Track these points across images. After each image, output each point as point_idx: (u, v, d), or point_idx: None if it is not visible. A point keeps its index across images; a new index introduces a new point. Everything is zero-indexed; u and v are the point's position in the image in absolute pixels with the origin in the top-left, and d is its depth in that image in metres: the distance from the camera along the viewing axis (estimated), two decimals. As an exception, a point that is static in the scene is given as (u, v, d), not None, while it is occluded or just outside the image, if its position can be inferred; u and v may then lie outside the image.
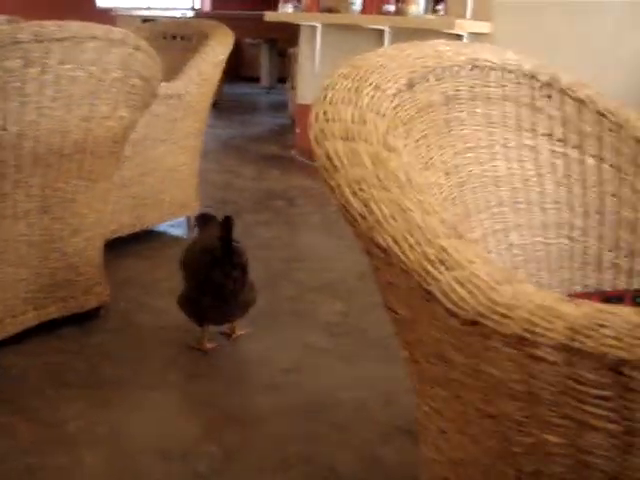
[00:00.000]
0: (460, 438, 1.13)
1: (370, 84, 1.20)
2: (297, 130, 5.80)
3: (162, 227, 3.70)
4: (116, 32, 2.27)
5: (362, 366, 2.40)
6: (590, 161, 1.58)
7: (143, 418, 2.09)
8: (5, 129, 2.11)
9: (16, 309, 2.40)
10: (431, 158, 1.34)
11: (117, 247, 3.17)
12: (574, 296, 0.94)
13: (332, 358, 2.45)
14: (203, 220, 2.65)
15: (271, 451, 1.95)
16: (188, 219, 3.72)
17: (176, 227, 3.76)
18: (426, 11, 4.77)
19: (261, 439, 2.00)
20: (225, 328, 2.53)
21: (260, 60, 9.91)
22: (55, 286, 2.48)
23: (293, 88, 6.72)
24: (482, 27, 4.52)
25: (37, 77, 2.12)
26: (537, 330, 0.84)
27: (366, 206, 0.97)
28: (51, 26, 2.10)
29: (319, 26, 5.40)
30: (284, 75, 8.35)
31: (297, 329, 2.65)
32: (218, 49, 3.55)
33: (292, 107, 6.89)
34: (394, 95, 1.23)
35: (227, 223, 2.24)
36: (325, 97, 1.15)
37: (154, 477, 1.84)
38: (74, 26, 2.16)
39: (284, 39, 8.26)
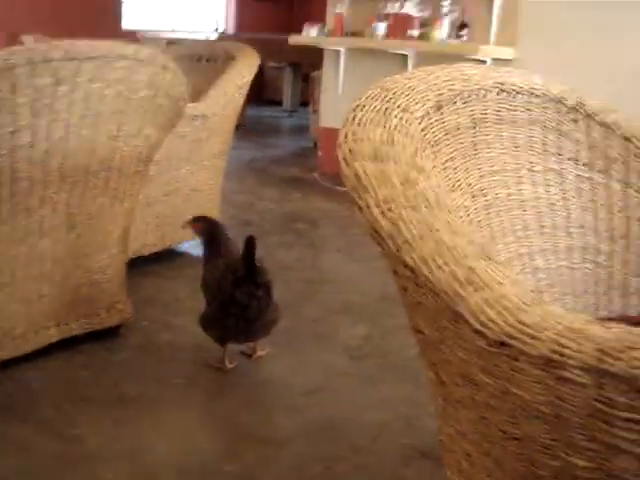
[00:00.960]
0: (485, 461, 1.12)
1: (399, 106, 1.21)
2: (320, 153, 5.82)
3: (184, 247, 3.72)
4: (145, 52, 2.30)
5: (383, 389, 2.40)
6: (616, 186, 1.57)
7: (163, 436, 2.09)
8: (33, 146, 2.13)
9: (39, 324, 2.42)
10: (458, 180, 1.34)
11: (140, 266, 3.19)
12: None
13: (353, 380, 2.44)
14: (207, 227, 2.61)
15: (291, 472, 1.94)
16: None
17: (198, 247, 3.77)
18: (450, 36, 4.79)
19: (281, 459, 2.00)
20: (246, 348, 2.54)
21: (283, 83, 9.97)
22: (78, 302, 2.50)
23: (315, 112, 6.75)
24: (506, 53, 4.53)
25: (67, 95, 2.15)
26: (565, 352, 0.84)
27: (394, 226, 0.98)
28: (82, 45, 2.13)
29: (343, 50, 5.43)
30: (306, 99, 8.39)
31: (319, 351, 2.65)
32: (244, 71, 3.58)
33: (314, 131, 6.92)
34: (422, 117, 1.24)
35: (250, 243, 2.25)
36: (354, 118, 1.16)
37: (174, 495, 1.84)
38: (104, 45, 2.19)
39: (307, 63, 8.31)
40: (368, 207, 1.01)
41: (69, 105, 2.17)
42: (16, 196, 2.18)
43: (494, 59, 4.47)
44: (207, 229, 2.59)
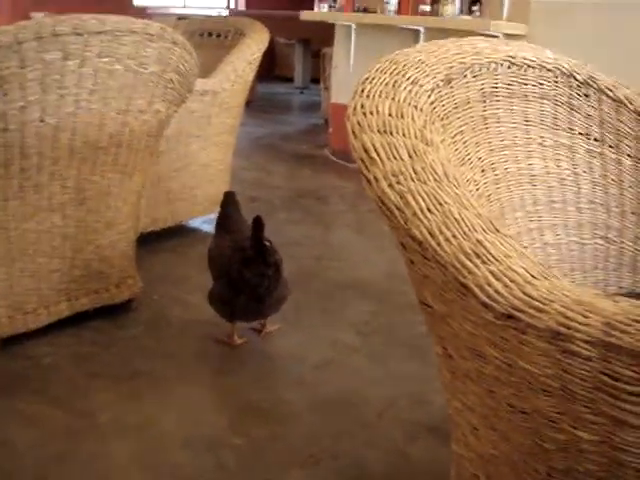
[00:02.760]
0: (491, 434, 1.12)
1: (408, 79, 1.20)
2: (330, 130, 5.80)
3: (194, 223, 3.73)
4: (154, 27, 2.29)
5: (391, 365, 2.40)
6: (627, 161, 1.56)
7: (172, 410, 2.11)
8: (43, 121, 2.13)
9: (49, 300, 2.43)
10: (467, 154, 1.33)
11: (150, 241, 3.19)
12: (610, 295, 0.93)
13: (361, 356, 2.45)
14: (226, 200, 2.69)
15: (299, 446, 1.95)
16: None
17: (208, 223, 3.78)
18: (462, 12, 4.75)
19: (289, 434, 2.01)
20: (255, 324, 2.54)
21: (294, 60, 9.93)
22: (88, 278, 2.51)
23: (326, 88, 6.72)
24: (518, 28, 4.49)
25: (76, 70, 2.15)
26: (572, 325, 0.84)
27: (402, 198, 0.97)
28: (91, 20, 2.12)
29: (354, 26, 5.40)
30: (317, 75, 8.35)
31: (327, 326, 2.65)
32: (253, 46, 3.56)
33: (325, 107, 6.90)
34: (432, 90, 1.23)
35: (258, 223, 2.25)
36: (363, 91, 1.16)
37: (181, 468, 1.85)
38: (113, 20, 2.18)
39: (318, 39, 8.27)
40: (376, 180, 1.00)
41: (78, 80, 2.17)
42: (26, 172, 2.19)
43: (506, 35, 4.43)
44: (224, 201, 2.64)
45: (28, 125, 2.11)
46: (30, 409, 2.08)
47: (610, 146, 1.55)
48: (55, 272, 2.41)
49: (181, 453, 1.90)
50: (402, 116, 1.10)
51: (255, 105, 7.75)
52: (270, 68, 10.31)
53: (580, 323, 0.83)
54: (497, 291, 0.88)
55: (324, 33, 6.27)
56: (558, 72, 1.50)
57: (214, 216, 3.72)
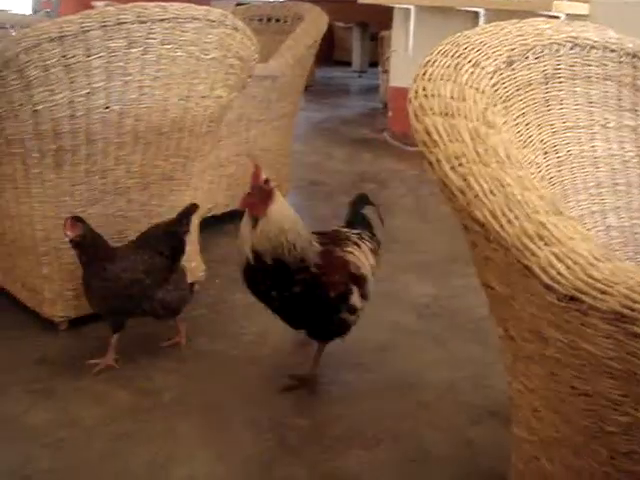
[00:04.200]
0: (553, 417, 1.12)
1: (470, 61, 1.20)
2: (389, 113, 5.78)
3: (255, 207, 3.76)
4: (215, 13, 2.32)
5: (451, 348, 2.40)
6: (693, 143, 1.54)
7: (235, 390, 2.15)
8: (108, 107, 2.18)
9: (115, 282, 2.48)
10: (529, 137, 1.33)
11: (212, 225, 3.24)
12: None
13: (422, 339, 2.46)
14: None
15: (360, 427, 1.97)
16: (280, 199, 3.77)
17: (268, 207, 3.82)
18: (522, -8, 4.68)
19: (350, 415, 2.03)
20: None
21: (352, 44, 9.90)
22: (152, 261, 2.56)
23: (385, 72, 6.70)
24: (580, 8, 4.41)
25: (139, 57, 2.18)
26: (636, 307, 0.83)
27: (465, 181, 0.98)
28: (154, 7, 2.16)
29: (413, 8, 5.36)
30: (376, 59, 8.31)
31: (387, 309, 2.66)
32: (312, 31, 3.57)
33: (383, 91, 6.87)
34: (493, 72, 1.23)
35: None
36: (425, 74, 1.16)
37: (244, 447, 1.89)
38: (175, 7, 2.21)
39: (376, 22, 8.23)
40: (438, 162, 1.01)
41: (142, 67, 2.21)
42: (92, 157, 2.24)
43: (568, 15, 4.35)
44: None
45: (94, 112, 2.16)
46: (96, 388, 2.14)
47: (676, 127, 1.53)
48: (119, 256, 2.46)
49: (245, 432, 1.94)
50: (464, 99, 1.11)
51: (314, 89, 7.76)
52: (329, 52, 10.30)
53: (644, 305, 0.83)
54: (560, 273, 0.89)
55: (382, 16, 6.24)
56: (622, 52, 1.48)
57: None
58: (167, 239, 2.28)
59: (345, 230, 2.22)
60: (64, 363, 2.25)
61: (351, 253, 2.11)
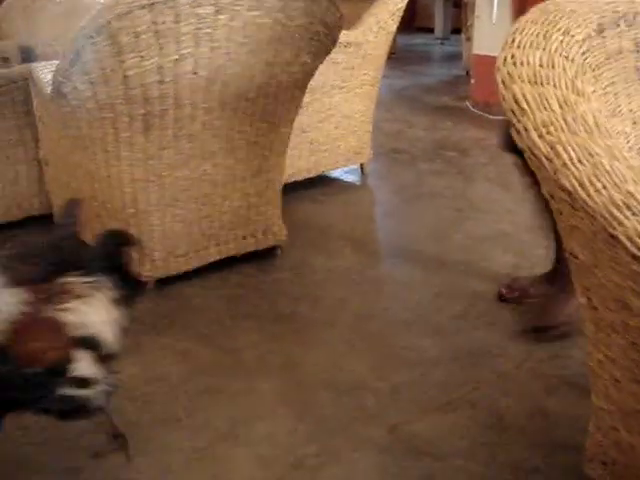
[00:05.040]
0: (633, 387, 1.13)
1: (559, 29, 1.19)
2: (472, 81, 5.71)
3: (336, 173, 3.79)
4: (302, -20, 2.33)
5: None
6: None
7: (315, 352, 2.19)
8: (196, 73, 2.23)
9: (199, 244, 2.55)
10: (619, 106, 1.32)
11: (294, 191, 3.28)
12: None
13: (501, 309, 2.45)
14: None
15: (436, 392, 2.00)
16: (361, 166, 3.79)
17: (350, 173, 3.84)
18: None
19: (426, 380, 2.05)
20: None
21: (434, 10, 9.76)
22: (236, 224, 2.62)
23: (468, 39, 6.59)
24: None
25: (227, 23, 2.22)
26: None
27: (553, 149, 0.98)
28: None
29: (499, -26, 5.26)
30: (458, 26, 8.17)
31: (467, 278, 2.66)
32: (396, -3, 3.55)
33: (466, 58, 6.77)
34: (583, 40, 1.22)
35: None
36: (513, 41, 1.16)
37: (323, 408, 1.93)
38: (263, -26, 2.23)
39: (460, -12, 8.09)
40: (526, 130, 1.02)
41: (229, 33, 2.24)
42: (179, 122, 2.30)
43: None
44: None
45: (182, 77, 2.21)
46: (180, 345, 2.21)
47: None
48: (205, 218, 2.53)
49: (323, 393, 1.98)
50: (553, 67, 1.10)
51: (396, 57, 7.70)
52: (411, 19, 10.17)
53: None
54: (647, 243, 0.89)
55: (467, -18, 6.14)
56: None
57: (356, 167, 3.79)
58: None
59: (72, 280, 1.64)
60: (150, 321, 2.34)
61: (70, 310, 1.57)
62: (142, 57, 2.11)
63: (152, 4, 2.05)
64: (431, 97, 6.01)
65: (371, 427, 1.85)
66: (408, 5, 3.65)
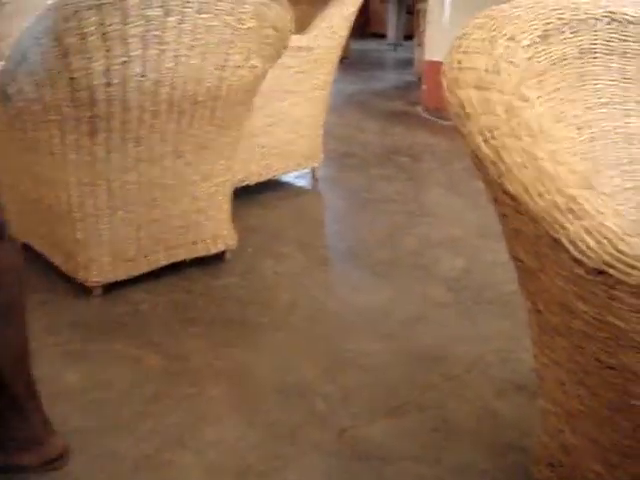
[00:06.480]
0: (578, 390, 1.14)
1: (505, 35, 1.20)
2: (424, 87, 5.75)
3: (287, 178, 3.78)
4: (259, -17, 2.33)
5: (480, 322, 2.41)
6: None
7: (264, 357, 2.18)
8: (144, 75, 2.20)
9: (148, 249, 2.52)
10: (563, 112, 1.33)
11: (245, 195, 3.26)
12: None
13: (450, 312, 2.47)
14: None
15: (386, 396, 2.00)
16: (313, 171, 3.79)
17: (301, 178, 3.83)
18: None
19: (376, 384, 2.05)
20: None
21: (387, 16, 9.82)
22: (185, 229, 2.59)
23: (420, 45, 6.64)
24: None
25: (176, 26, 2.20)
26: (665, 282, 0.84)
27: (497, 153, 0.99)
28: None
29: (450, -19, 5.31)
30: (411, 32, 8.24)
31: (417, 282, 2.68)
32: (349, 2, 3.55)
33: (418, 64, 6.82)
34: (528, 46, 1.23)
35: None
36: (459, 46, 1.17)
37: (273, 412, 1.92)
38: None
39: (412, -5, 8.15)
40: (471, 134, 1.02)
41: (178, 36, 2.22)
42: (127, 124, 2.27)
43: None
44: None
45: (129, 80, 2.18)
46: (128, 351, 2.18)
47: None
48: (154, 222, 2.50)
49: (273, 398, 1.97)
50: (498, 72, 1.11)
51: (349, 62, 7.73)
52: (364, 25, 10.22)
53: (672, 280, 0.83)
54: (589, 246, 0.90)
55: (419, -12, 6.19)
56: (660, 28, 1.47)
57: (307, 171, 3.79)
58: None
59: None
60: (97, 327, 2.30)
61: None
62: (89, 59, 2.07)
63: (99, 5, 2.02)
64: (383, 102, 6.04)
65: (321, 431, 1.84)
66: (361, 11, 3.67)
